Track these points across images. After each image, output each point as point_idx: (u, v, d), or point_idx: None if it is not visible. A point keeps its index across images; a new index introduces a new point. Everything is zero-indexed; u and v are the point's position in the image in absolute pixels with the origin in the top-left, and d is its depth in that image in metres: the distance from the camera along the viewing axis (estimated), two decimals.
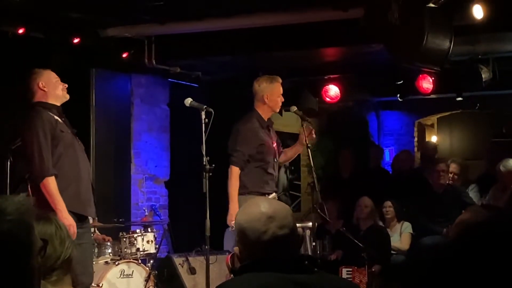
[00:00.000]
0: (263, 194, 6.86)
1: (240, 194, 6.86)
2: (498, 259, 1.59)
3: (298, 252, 2.85)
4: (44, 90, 6.04)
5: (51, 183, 5.78)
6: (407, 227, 9.33)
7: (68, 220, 5.59)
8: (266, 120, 7.09)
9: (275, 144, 7.16)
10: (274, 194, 6.98)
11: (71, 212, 5.82)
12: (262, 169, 6.98)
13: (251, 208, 2.88)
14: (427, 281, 1.70)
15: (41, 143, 5.82)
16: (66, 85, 6.16)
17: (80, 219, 6.00)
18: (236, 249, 2.85)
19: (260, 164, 6.97)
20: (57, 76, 6.16)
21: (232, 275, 2.93)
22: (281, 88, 7.07)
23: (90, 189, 6.16)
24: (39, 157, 5.82)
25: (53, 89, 6.07)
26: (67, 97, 6.17)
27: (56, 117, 5.98)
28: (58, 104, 6.11)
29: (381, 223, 9.41)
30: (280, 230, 2.76)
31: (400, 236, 9.31)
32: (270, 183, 7.04)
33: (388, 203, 9.41)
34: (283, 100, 7.10)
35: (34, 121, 5.91)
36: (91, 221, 7.83)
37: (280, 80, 7.10)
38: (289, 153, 7.41)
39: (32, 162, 5.88)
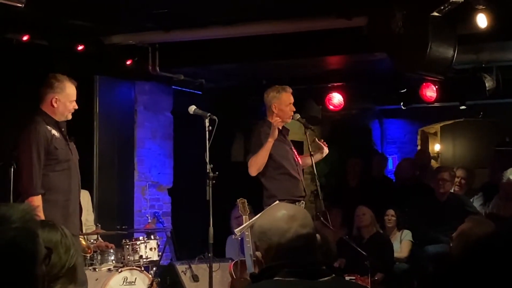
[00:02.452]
0: (294, 200, 6.87)
1: (270, 205, 6.86)
2: (503, 273, 1.58)
3: (317, 257, 2.85)
4: (53, 106, 5.96)
5: (35, 202, 5.74)
6: (406, 234, 9.32)
7: None
8: (280, 129, 7.12)
9: (295, 151, 7.19)
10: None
11: None
12: (286, 174, 7.00)
13: (271, 212, 2.96)
14: None
15: (33, 160, 5.81)
16: (76, 107, 6.07)
17: None
18: (258, 254, 2.87)
19: (282, 170, 6.98)
20: (75, 95, 6.05)
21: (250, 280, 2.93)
22: (290, 98, 7.09)
23: (78, 206, 6.09)
24: (28, 175, 5.82)
25: (62, 109, 5.99)
26: (69, 118, 6.09)
27: (54, 132, 5.93)
28: (59, 120, 6.05)
29: (381, 231, 9.40)
30: (303, 228, 2.81)
31: (400, 244, 9.30)
32: (297, 188, 7.04)
33: (391, 211, 9.40)
34: (293, 109, 7.10)
35: (30, 135, 5.87)
36: (94, 228, 7.87)
37: (289, 90, 7.11)
38: (304, 160, 7.44)
39: (20, 178, 5.91)
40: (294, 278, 2.71)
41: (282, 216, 2.84)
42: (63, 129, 6.06)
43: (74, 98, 6.06)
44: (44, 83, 6.04)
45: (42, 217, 5.62)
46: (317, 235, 2.92)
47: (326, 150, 7.38)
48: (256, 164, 6.93)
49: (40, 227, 2.92)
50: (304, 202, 7.10)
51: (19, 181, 6.00)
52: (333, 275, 2.77)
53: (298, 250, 2.79)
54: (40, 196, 5.81)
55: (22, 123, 6.19)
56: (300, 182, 7.10)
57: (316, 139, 7.47)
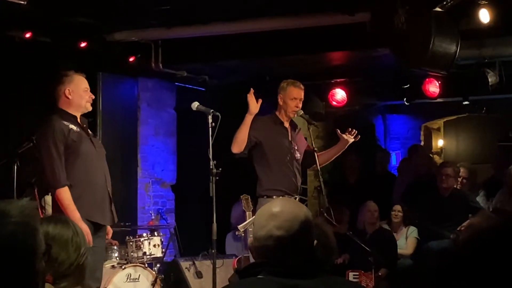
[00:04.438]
0: (285, 194, 6.85)
1: (260, 196, 6.94)
2: (506, 265, 1.58)
3: (303, 257, 2.82)
4: (68, 98, 6.04)
5: (63, 194, 5.84)
6: (412, 231, 9.31)
7: (83, 229, 5.60)
8: (284, 121, 7.13)
9: (295, 146, 7.16)
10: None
11: (87, 220, 5.85)
12: (275, 167, 6.99)
13: (267, 204, 2.95)
14: (435, 285, 1.70)
15: (52, 155, 5.88)
16: (93, 97, 6.18)
17: (96, 227, 6.03)
18: (250, 239, 2.90)
19: (271, 162, 6.99)
20: (87, 85, 6.16)
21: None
22: (297, 93, 7.05)
23: (107, 197, 6.17)
24: (51, 171, 5.89)
25: (77, 98, 6.06)
26: (89, 108, 6.19)
27: (72, 126, 6.00)
28: (79, 114, 6.12)
29: (386, 227, 9.39)
30: (277, 230, 2.77)
31: (406, 240, 9.29)
32: (288, 182, 7.01)
33: (398, 207, 9.39)
34: (298, 105, 7.07)
35: (47, 132, 5.95)
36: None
37: (299, 85, 7.08)
38: (327, 155, 7.44)
39: (45, 174, 5.98)
40: (275, 277, 2.70)
41: (267, 212, 2.85)
42: (85, 125, 6.14)
43: (87, 87, 6.15)
44: (54, 83, 6.13)
45: (73, 207, 5.70)
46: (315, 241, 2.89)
47: (348, 140, 7.33)
48: (235, 141, 6.96)
49: (53, 222, 2.93)
50: (297, 197, 7.07)
51: (44, 178, 6.06)
52: (322, 273, 2.76)
53: (269, 249, 2.78)
54: (67, 187, 5.88)
55: (24, 120, 6.21)
56: (292, 177, 7.05)
57: (338, 131, 7.41)
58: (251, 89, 6.98)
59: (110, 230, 6.47)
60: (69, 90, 6.04)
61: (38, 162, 6.12)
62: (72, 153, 5.96)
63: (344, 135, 7.30)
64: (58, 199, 5.83)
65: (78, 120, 6.11)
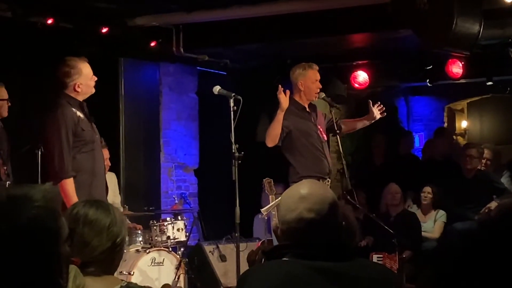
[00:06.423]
0: (318, 178, 6.84)
1: (294, 182, 6.89)
2: None
3: (331, 239, 2.81)
4: (77, 91, 5.98)
5: (69, 185, 5.79)
6: (442, 215, 9.23)
7: None
8: (304, 105, 7.13)
9: (320, 128, 7.16)
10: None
11: None
12: (308, 151, 7.02)
13: (293, 187, 2.94)
14: (459, 266, 1.68)
15: (63, 143, 5.83)
16: (96, 79, 6.10)
17: None
18: (275, 222, 2.91)
19: (304, 147, 7.01)
20: (91, 70, 6.07)
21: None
22: (316, 75, 7.09)
23: (104, 186, 6.14)
24: (59, 158, 5.84)
25: (86, 89, 6.02)
26: (93, 91, 6.11)
27: (79, 114, 5.96)
28: (84, 98, 6.08)
29: (415, 208, 9.35)
30: (307, 212, 2.76)
31: (434, 224, 9.23)
32: (321, 165, 7.04)
33: (428, 188, 9.31)
34: (319, 86, 7.10)
35: (59, 118, 5.89)
36: (121, 210, 7.91)
37: (315, 67, 7.10)
38: (352, 124, 7.58)
39: (52, 162, 5.94)
40: (301, 259, 2.69)
41: (295, 194, 2.82)
42: (85, 111, 6.09)
43: (92, 73, 6.06)
44: (60, 73, 6.00)
45: (75, 199, 5.65)
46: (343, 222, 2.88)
47: (376, 116, 7.37)
48: (269, 136, 6.98)
49: (95, 206, 2.94)
50: (329, 180, 7.07)
51: (49, 165, 6.03)
52: (350, 257, 2.75)
53: (298, 232, 2.76)
54: (72, 178, 5.84)
55: (47, 106, 6.21)
56: (324, 159, 7.07)
57: (370, 102, 7.42)
58: (280, 86, 6.95)
59: None
60: (79, 84, 5.96)
61: (45, 148, 6.10)
62: (79, 141, 5.92)
63: (374, 108, 7.33)
64: (62, 190, 5.72)
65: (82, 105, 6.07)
